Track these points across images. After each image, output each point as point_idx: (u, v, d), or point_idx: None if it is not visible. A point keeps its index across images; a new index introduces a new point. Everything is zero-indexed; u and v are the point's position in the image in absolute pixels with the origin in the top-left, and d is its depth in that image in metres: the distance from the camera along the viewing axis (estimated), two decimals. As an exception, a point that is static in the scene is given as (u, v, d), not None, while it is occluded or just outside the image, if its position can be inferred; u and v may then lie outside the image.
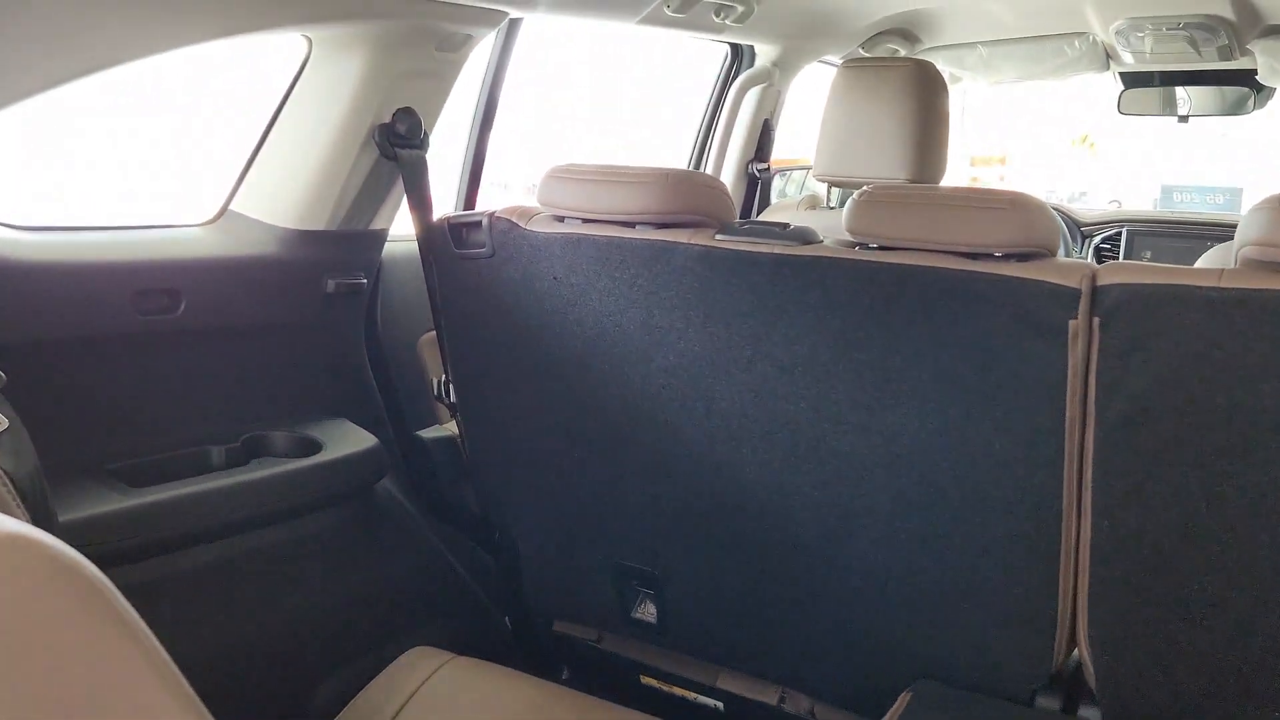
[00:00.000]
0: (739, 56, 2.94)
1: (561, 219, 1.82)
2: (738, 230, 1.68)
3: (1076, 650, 1.56)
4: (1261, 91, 3.21)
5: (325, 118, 1.84)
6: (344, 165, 1.86)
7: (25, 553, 0.50)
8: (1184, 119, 3.42)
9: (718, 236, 1.68)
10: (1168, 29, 2.84)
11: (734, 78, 2.94)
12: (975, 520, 1.53)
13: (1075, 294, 1.37)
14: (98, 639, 0.53)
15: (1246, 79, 3.16)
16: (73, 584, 0.52)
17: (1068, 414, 1.41)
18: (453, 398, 2.09)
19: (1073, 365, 1.39)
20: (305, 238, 1.88)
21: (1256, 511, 1.32)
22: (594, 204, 1.77)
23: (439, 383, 2.11)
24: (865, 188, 1.63)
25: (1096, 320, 1.36)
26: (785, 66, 2.99)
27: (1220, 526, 1.35)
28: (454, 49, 1.94)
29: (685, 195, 1.73)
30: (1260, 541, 1.33)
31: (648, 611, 1.98)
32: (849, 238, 1.62)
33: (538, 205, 1.85)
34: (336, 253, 1.93)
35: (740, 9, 2.40)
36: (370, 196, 1.94)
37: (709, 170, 3.04)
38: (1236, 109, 3.29)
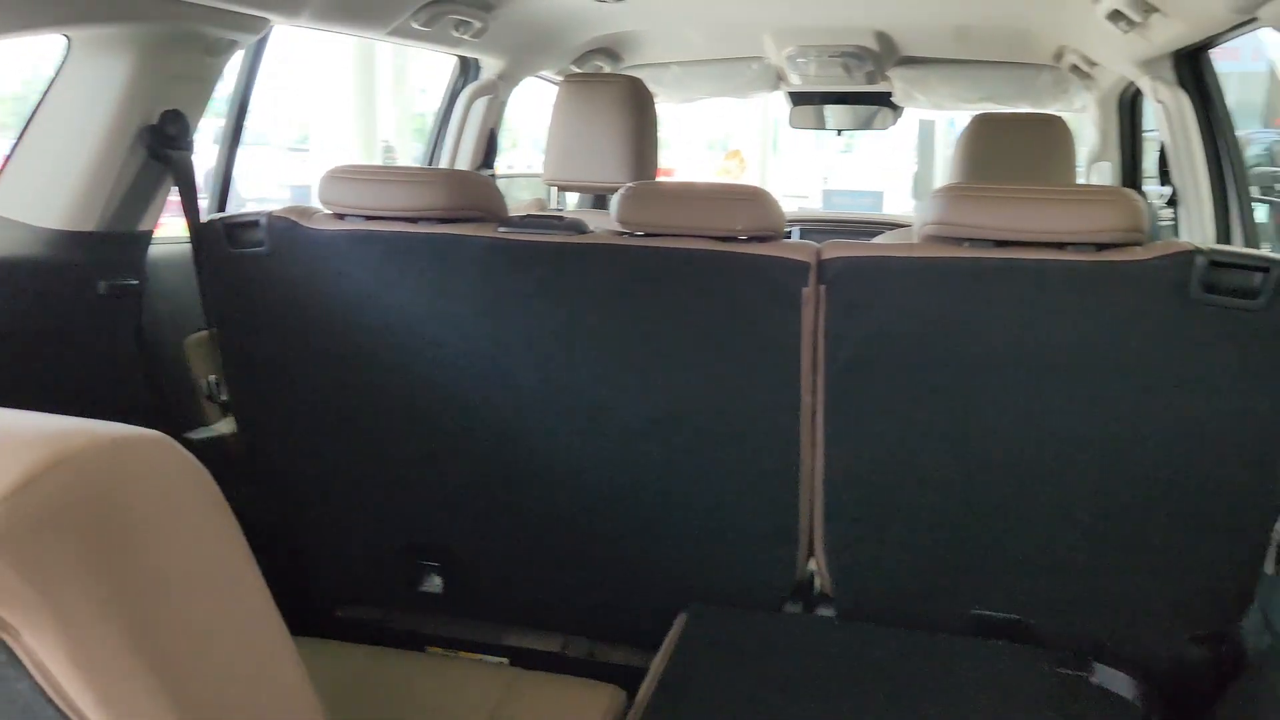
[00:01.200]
0: (467, 69, 3.13)
1: (343, 217, 1.92)
2: (518, 224, 1.89)
3: (814, 561, 1.91)
4: (896, 110, 3.87)
5: (92, 118, 1.82)
6: (113, 166, 1.85)
7: (165, 452, 0.63)
8: (839, 132, 4.04)
9: (500, 229, 1.87)
10: (829, 56, 3.37)
11: (461, 89, 3.13)
12: (734, 459, 1.84)
13: (807, 267, 1.71)
14: (208, 522, 0.66)
15: (885, 100, 3.80)
16: (197, 481, 0.65)
17: (803, 365, 1.75)
18: (224, 396, 2.11)
19: (806, 324, 1.73)
20: (73, 239, 1.84)
21: (953, 437, 1.72)
22: (378, 202, 1.90)
23: (210, 383, 2.12)
24: (630, 184, 1.90)
25: (823, 288, 1.71)
26: (508, 79, 3.21)
27: (925, 451, 1.74)
28: (219, 54, 1.98)
29: (467, 193, 1.91)
30: (956, 463, 1.73)
31: (434, 584, 2.12)
32: (616, 228, 1.87)
33: (317, 205, 1.94)
34: (106, 254, 1.90)
35: (476, 25, 2.60)
36: (139, 197, 1.93)
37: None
38: (879, 125, 3.94)
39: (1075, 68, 3.19)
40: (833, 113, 3.95)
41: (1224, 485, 1.60)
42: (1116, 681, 1.66)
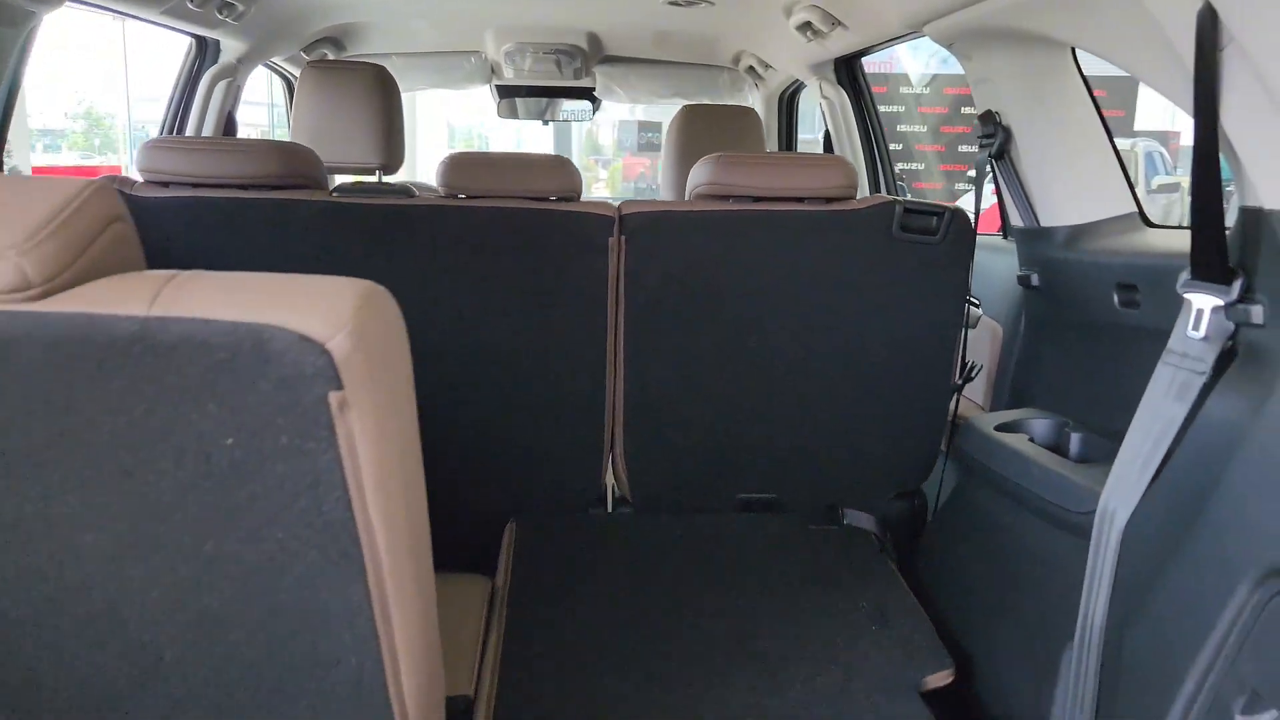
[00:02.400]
0: (204, 51, 3.14)
1: (166, 184, 2.01)
2: (351, 190, 2.08)
3: (614, 467, 2.29)
4: (596, 103, 4.33)
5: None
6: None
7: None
8: (546, 122, 4.44)
9: (335, 194, 2.06)
10: (544, 52, 3.75)
11: (199, 71, 3.14)
12: (552, 388, 2.17)
13: (612, 220, 2.09)
14: (405, 362, 0.92)
15: (589, 94, 4.26)
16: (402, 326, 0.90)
17: (608, 304, 2.12)
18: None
19: (611, 269, 2.11)
20: None
21: (723, 356, 2.17)
22: (205, 170, 2.01)
23: None
24: (453, 152, 2.16)
25: (624, 238, 2.09)
26: (246, 62, 3.27)
27: (701, 368, 2.18)
28: (14, 24, 1.98)
29: (296, 162, 2.07)
30: (724, 377, 2.19)
31: None
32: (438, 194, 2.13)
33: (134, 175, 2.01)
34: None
35: (240, 9, 2.69)
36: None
37: None
38: (583, 116, 4.39)
39: (750, 69, 3.82)
40: (539, 105, 4.34)
41: (917, 379, 2.19)
42: (860, 520, 2.22)
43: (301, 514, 0.81)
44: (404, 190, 2.13)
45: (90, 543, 0.83)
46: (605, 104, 4.35)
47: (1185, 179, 15.81)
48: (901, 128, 9.95)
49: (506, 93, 4.28)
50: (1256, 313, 1.24)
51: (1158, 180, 13.37)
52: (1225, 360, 1.28)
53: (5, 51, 2.06)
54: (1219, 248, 1.28)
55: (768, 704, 1.60)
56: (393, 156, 2.89)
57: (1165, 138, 17.91)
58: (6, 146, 2.43)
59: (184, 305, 0.77)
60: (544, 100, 4.33)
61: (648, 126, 12.33)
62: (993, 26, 1.91)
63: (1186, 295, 1.33)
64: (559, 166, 2.15)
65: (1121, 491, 1.37)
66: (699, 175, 2.16)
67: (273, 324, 0.75)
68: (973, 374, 2.24)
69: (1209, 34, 1.17)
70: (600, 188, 20.10)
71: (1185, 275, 1.33)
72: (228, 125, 3.30)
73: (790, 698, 1.62)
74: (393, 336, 0.87)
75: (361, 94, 2.85)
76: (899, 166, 3.55)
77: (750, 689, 1.64)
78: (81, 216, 0.82)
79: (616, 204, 2.14)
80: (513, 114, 4.34)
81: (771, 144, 4.20)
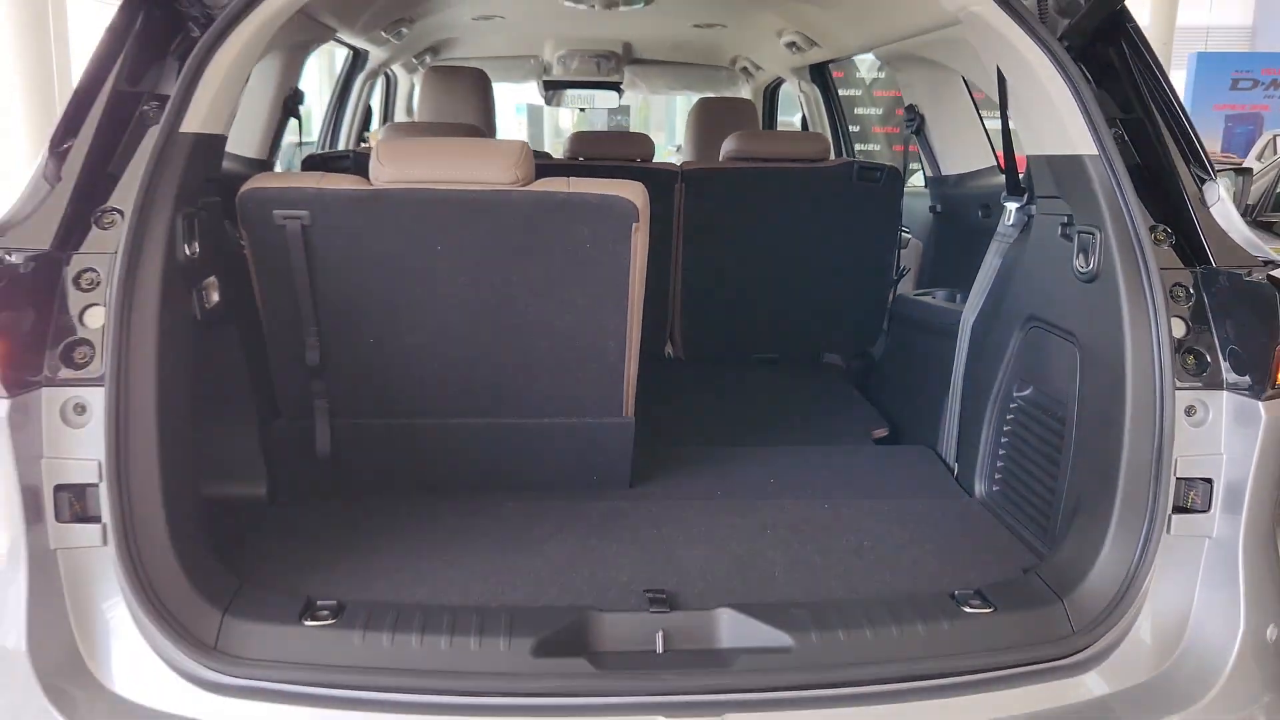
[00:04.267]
0: (358, 59, 4.34)
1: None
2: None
3: (673, 333, 3.55)
4: (621, 94, 5.57)
5: None
6: None
7: None
8: (583, 110, 5.67)
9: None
10: (589, 56, 4.99)
11: (355, 76, 4.34)
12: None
13: (677, 173, 3.34)
14: None
15: (616, 87, 5.50)
16: None
17: (673, 228, 3.38)
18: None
19: (676, 206, 3.36)
20: None
21: (746, 264, 3.43)
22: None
23: None
24: (578, 130, 3.39)
25: (684, 185, 3.35)
26: (381, 67, 4.47)
27: (735, 271, 3.44)
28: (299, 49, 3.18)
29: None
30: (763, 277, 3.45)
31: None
32: None
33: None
34: None
35: (405, 31, 3.90)
36: None
37: (346, 142, 4.40)
38: (609, 104, 5.63)
39: (744, 69, 5.09)
40: (577, 95, 5.59)
41: (870, 277, 3.47)
42: (833, 360, 3.52)
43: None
44: (545, 155, 3.37)
45: (510, 306, 2.07)
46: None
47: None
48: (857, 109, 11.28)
49: (553, 86, 5.51)
50: (1033, 209, 2.53)
51: None
52: (1022, 236, 2.57)
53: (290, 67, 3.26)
54: (1017, 181, 2.56)
55: (786, 453, 2.87)
56: (489, 127, 4.13)
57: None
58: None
59: (580, 187, 2.03)
60: (581, 91, 5.57)
61: (617, 111, 13.57)
62: (911, 54, 3.18)
63: (1005, 204, 2.62)
64: (642, 140, 3.41)
65: (970, 309, 2.66)
66: (730, 145, 3.42)
67: (617, 194, 2.01)
68: (903, 273, 3.53)
69: (1002, 75, 2.44)
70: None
71: (1004, 194, 2.62)
72: (367, 110, 4.52)
73: (789, 448, 2.90)
74: (647, 204, 2.13)
75: (468, 89, 4.09)
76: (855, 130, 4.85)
77: (770, 444, 2.93)
78: (527, 152, 2.07)
79: (679, 164, 3.40)
80: (558, 103, 5.57)
81: (757, 125, 5.48)
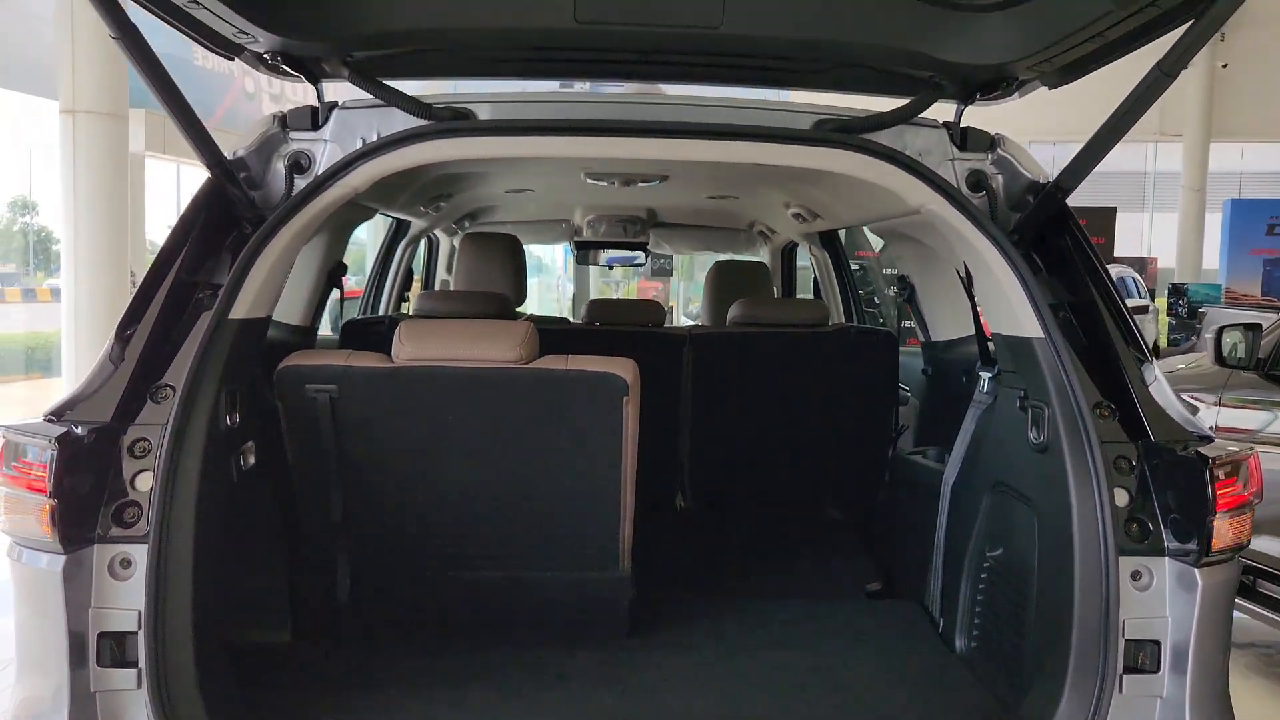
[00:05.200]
0: (400, 228, 4.74)
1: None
2: (537, 320, 3.61)
3: (684, 477, 3.74)
4: (648, 254, 5.93)
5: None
6: None
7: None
8: (610, 267, 6.03)
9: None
10: (616, 221, 5.36)
11: (397, 242, 4.74)
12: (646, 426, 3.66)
13: (685, 338, 3.60)
14: None
15: (641, 246, 5.87)
16: None
17: (683, 390, 3.61)
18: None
19: (684, 368, 3.61)
20: None
21: (752, 420, 3.66)
22: (457, 309, 3.53)
23: None
24: (595, 298, 3.69)
25: (692, 349, 3.60)
26: (422, 233, 4.87)
27: (745, 428, 3.66)
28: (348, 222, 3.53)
29: (502, 304, 3.61)
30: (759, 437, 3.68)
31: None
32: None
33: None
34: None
35: (443, 205, 4.28)
36: None
37: (387, 305, 4.78)
38: (637, 263, 5.99)
39: (761, 233, 5.43)
40: (606, 255, 5.97)
41: (865, 432, 3.66)
42: (833, 512, 3.68)
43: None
44: (563, 320, 3.65)
45: (514, 470, 2.32)
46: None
47: (1160, 301, 17.61)
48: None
49: (583, 246, 5.90)
50: (999, 381, 2.73)
51: (1130, 302, 14.91)
52: (993, 404, 2.77)
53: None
54: (988, 353, 2.78)
55: (780, 605, 3.02)
56: (520, 296, 4.46)
57: (1143, 263, 19.82)
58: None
59: (577, 364, 2.28)
60: (610, 251, 5.95)
61: (659, 256, 14.21)
62: (899, 231, 3.46)
63: (979, 373, 2.83)
64: (653, 308, 3.70)
65: (950, 470, 2.84)
66: (736, 311, 3.69)
67: (609, 371, 2.26)
68: (901, 430, 3.71)
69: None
70: (613, 306, 22.07)
71: (979, 363, 2.83)
72: (408, 273, 4.89)
73: (783, 600, 3.05)
74: (637, 379, 2.37)
75: (501, 255, 4.44)
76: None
77: (762, 595, 3.09)
78: (531, 333, 2.34)
79: (687, 328, 3.67)
80: (588, 263, 5.95)
81: (777, 281, 5.79)
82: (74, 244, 9.62)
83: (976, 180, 2.47)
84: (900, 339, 4.52)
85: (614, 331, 3.60)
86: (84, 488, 1.97)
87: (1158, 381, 2.23)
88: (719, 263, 4.88)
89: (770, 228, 5.31)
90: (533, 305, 19.56)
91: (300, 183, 2.38)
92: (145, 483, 2.02)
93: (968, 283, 2.76)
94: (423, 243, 5.76)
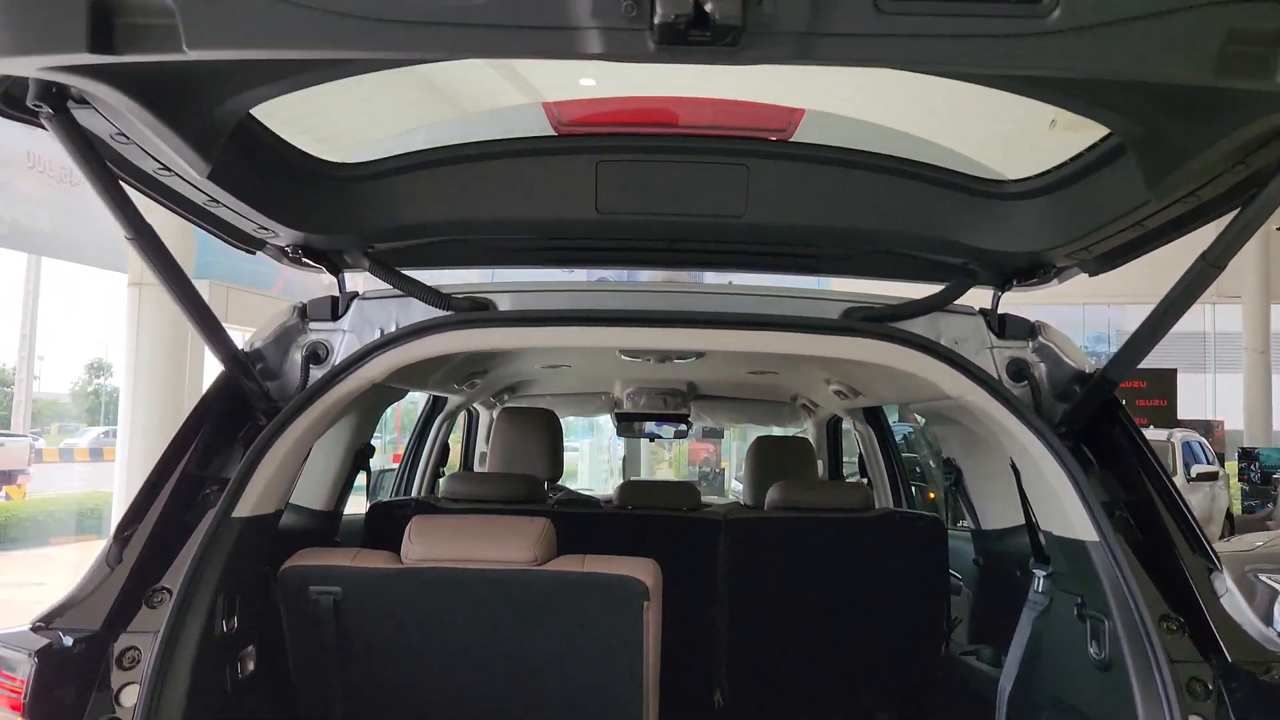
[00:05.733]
0: (437, 404, 4.71)
1: (457, 500, 3.43)
2: (567, 502, 3.49)
3: (722, 682, 3.50)
4: (690, 426, 5.84)
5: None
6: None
7: None
8: (653, 439, 5.94)
9: (556, 506, 3.46)
10: (656, 393, 5.29)
11: (434, 417, 4.70)
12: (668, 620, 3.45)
13: (720, 524, 3.44)
14: None
15: (685, 419, 5.77)
16: None
17: (719, 578, 3.43)
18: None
19: (721, 555, 3.43)
20: None
21: (795, 617, 3.44)
22: (480, 493, 3.43)
23: None
24: (629, 480, 3.57)
25: (728, 535, 3.44)
26: (459, 408, 4.84)
27: (789, 624, 3.44)
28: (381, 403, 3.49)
29: (531, 485, 3.50)
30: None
31: None
32: None
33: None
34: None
35: (479, 383, 4.25)
36: None
37: (420, 485, 4.70)
38: (679, 435, 5.89)
39: (804, 406, 5.31)
40: (646, 427, 5.87)
41: (914, 626, 3.41)
42: (880, 712, 3.39)
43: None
44: (595, 503, 3.53)
45: (526, 678, 2.16)
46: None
47: (1231, 466, 16.93)
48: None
49: (624, 418, 5.82)
50: (1055, 582, 2.52)
51: (1197, 468, 14.07)
52: (1049, 606, 2.56)
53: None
54: (1041, 550, 2.58)
55: None
56: (556, 471, 4.35)
57: (1209, 426, 19.25)
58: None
59: (594, 565, 2.15)
60: (651, 423, 5.86)
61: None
62: (942, 414, 3.32)
63: (1034, 570, 2.63)
64: (688, 490, 3.56)
65: (1006, 678, 2.60)
66: (774, 495, 3.53)
67: (629, 574, 2.11)
68: (955, 624, 3.47)
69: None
70: (664, 468, 21.82)
71: (1032, 559, 2.64)
72: (444, 449, 4.83)
73: None
74: (659, 582, 2.23)
75: (537, 431, 4.36)
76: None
77: None
78: (548, 531, 2.22)
79: (723, 512, 3.52)
80: (630, 435, 5.86)
81: (821, 454, 5.62)
82: (132, 407, 9.85)
83: (1017, 369, 2.36)
84: (952, 518, 4.32)
85: (646, 517, 3.46)
86: (65, 703, 1.86)
87: (1230, 593, 2.03)
88: (760, 439, 4.76)
89: (813, 401, 5.20)
90: (584, 468, 19.48)
91: (316, 373, 2.35)
92: (130, 697, 1.89)
93: (1017, 476, 2.60)
94: (463, 414, 5.74)
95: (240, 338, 2.40)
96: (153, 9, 1.14)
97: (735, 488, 15.54)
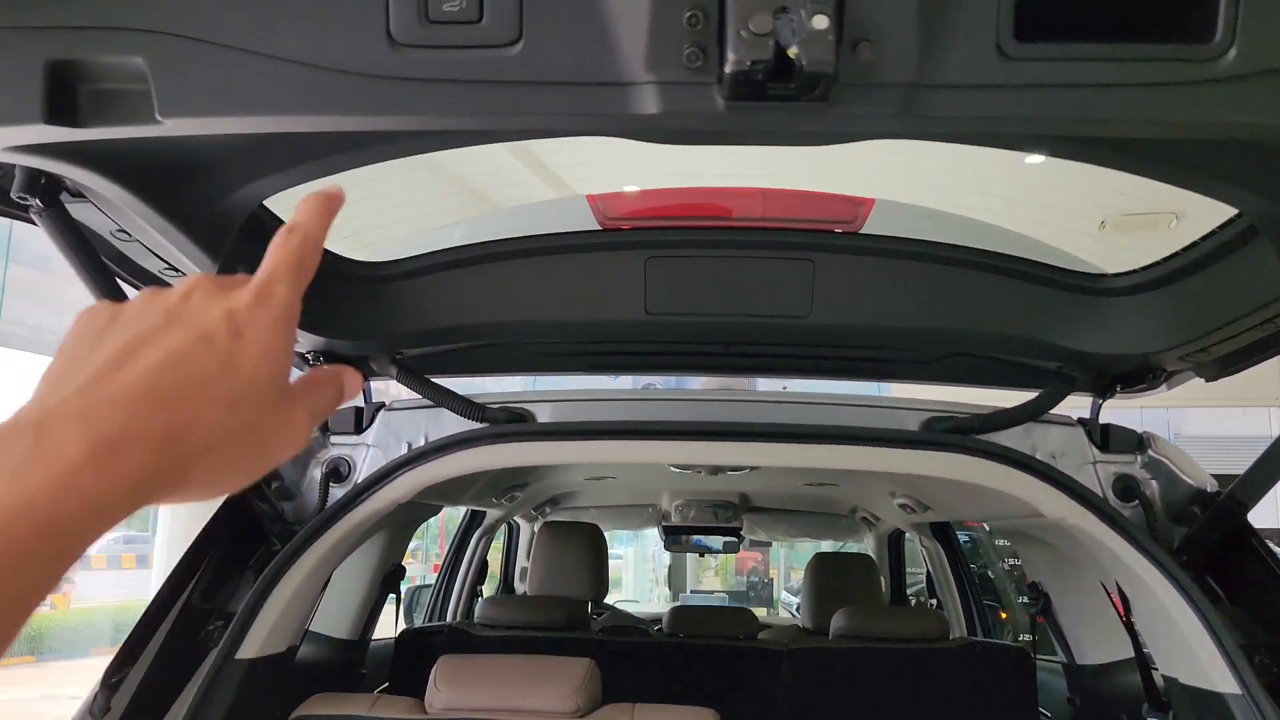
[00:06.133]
0: (475, 518, 4.47)
1: (494, 627, 3.15)
2: (610, 630, 3.19)
3: None
4: (741, 539, 5.52)
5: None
6: None
7: None
8: (702, 554, 5.61)
9: (600, 633, 3.16)
10: (705, 506, 5.00)
11: (473, 531, 4.45)
12: None
13: (781, 654, 3.11)
14: None
15: (737, 533, 5.46)
16: None
17: (781, 714, 3.09)
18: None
19: (783, 687, 3.10)
20: None
21: None
22: (521, 619, 3.15)
23: None
24: (678, 605, 3.27)
25: (789, 666, 3.11)
26: (498, 521, 4.58)
27: None
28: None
29: (572, 609, 3.21)
30: None
31: None
32: None
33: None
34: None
35: (519, 496, 4.01)
36: None
37: (455, 607, 4.43)
38: (731, 549, 5.56)
39: (864, 519, 4.98)
40: (696, 541, 5.56)
41: None
42: None
43: None
44: (643, 630, 3.23)
45: None
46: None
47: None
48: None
49: (672, 532, 5.52)
50: None
51: None
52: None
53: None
54: (1158, 696, 2.24)
55: None
56: (601, 590, 4.05)
57: (1283, 533, 18.29)
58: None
59: (644, 715, 1.85)
60: (700, 537, 5.55)
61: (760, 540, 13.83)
62: (1025, 532, 3.00)
63: (1149, 719, 2.28)
64: (745, 617, 3.25)
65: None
66: (839, 622, 3.21)
67: None
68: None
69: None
70: (710, 577, 21.18)
71: (1145, 706, 2.29)
72: (483, 565, 4.56)
73: None
74: None
75: (581, 548, 4.08)
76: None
77: None
78: (592, 674, 1.93)
79: (784, 641, 3.19)
80: (678, 549, 5.55)
81: (884, 573, 5.26)
82: (170, 513, 9.71)
83: (1125, 487, 2.07)
84: (1035, 644, 3.93)
85: (699, 646, 3.15)
86: None
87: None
88: (819, 556, 4.44)
89: (874, 515, 4.87)
90: (629, 576, 18.95)
91: (337, 492, 2.12)
92: None
93: (1125, 609, 2.27)
94: (503, 527, 5.48)
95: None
96: (124, 73, 0.95)
97: (785, 599, 14.95)
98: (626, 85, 0.90)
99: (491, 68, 0.91)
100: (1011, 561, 7.68)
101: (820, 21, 0.82)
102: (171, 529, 9.71)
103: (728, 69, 0.85)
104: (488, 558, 4.70)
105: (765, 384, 3.08)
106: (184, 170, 1.42)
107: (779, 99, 0.88)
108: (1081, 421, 2.13)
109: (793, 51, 0.83)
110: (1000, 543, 10.35)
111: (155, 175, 1.34)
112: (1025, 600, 3.20)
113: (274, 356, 0.59)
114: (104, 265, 1.62)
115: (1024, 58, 0.89)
